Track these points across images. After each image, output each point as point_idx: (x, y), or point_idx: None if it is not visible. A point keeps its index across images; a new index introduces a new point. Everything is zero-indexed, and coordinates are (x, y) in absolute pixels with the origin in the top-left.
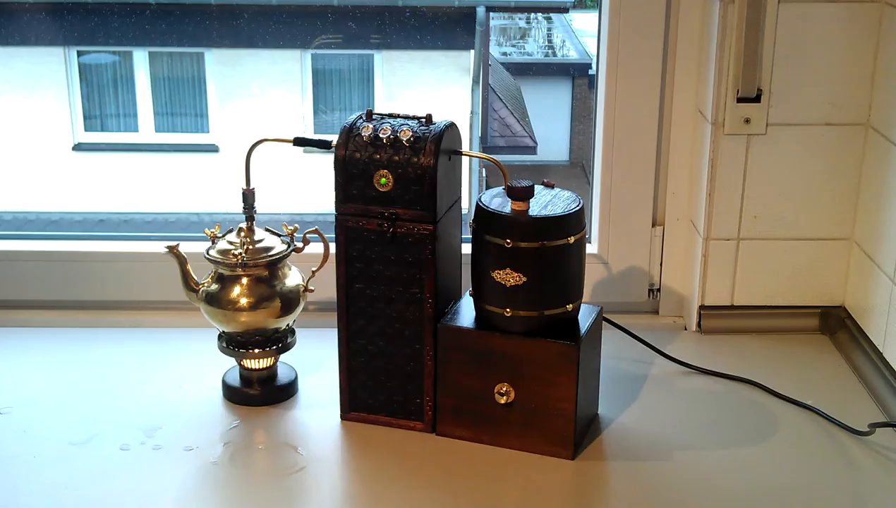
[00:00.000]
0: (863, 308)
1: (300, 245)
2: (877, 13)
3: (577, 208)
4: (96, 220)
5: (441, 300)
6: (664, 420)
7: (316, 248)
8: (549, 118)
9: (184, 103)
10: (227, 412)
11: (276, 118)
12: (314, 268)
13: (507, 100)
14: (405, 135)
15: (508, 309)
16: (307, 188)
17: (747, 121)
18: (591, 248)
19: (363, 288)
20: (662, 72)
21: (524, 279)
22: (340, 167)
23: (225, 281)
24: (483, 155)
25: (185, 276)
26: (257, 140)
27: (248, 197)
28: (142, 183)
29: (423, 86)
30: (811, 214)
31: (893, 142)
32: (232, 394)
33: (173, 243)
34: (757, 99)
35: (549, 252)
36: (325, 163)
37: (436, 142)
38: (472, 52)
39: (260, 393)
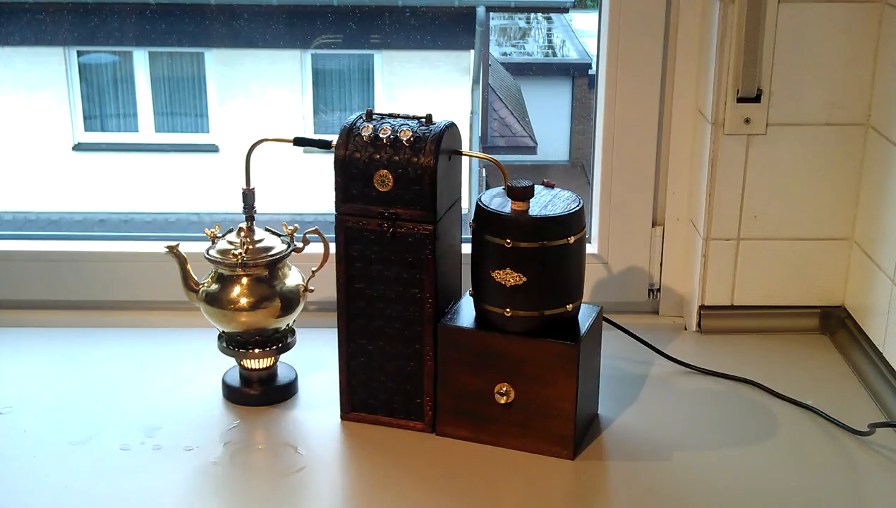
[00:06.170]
0: (863, 308)
1: (300, 245)
2: (877, 13)
3: (577, 208)
4: (96, 220)
5: (441, 300)
6: (664, 420)
7: (316, 248)
8: (549, 118)
9: (184, 103)
10: (227, 412)
11: (276, 118)
12: (314, 268)
13: (507, 100)
14: (405, 135)
15: (508, 309)
16: (307, 188)
17: (747, 121)
18: (591, 248)
19: (363, 288)
20: (662, 72)
21: (524, 279)
22: (340, 167)
23: (225, 281)
24: (483, 155)
25: (185, 276)
26: (257, 140)
27: (248, 197)
28: (142, 183)
29: (423, 86)
30: (811, 214)
31: (893, 142)
32: (232, 394)
33: (173, 243)
34: (757, 99)
35: (549, 252)
36: (325, 163)
37: (436, 142)
38: (472, 52)
39: (260, 393)
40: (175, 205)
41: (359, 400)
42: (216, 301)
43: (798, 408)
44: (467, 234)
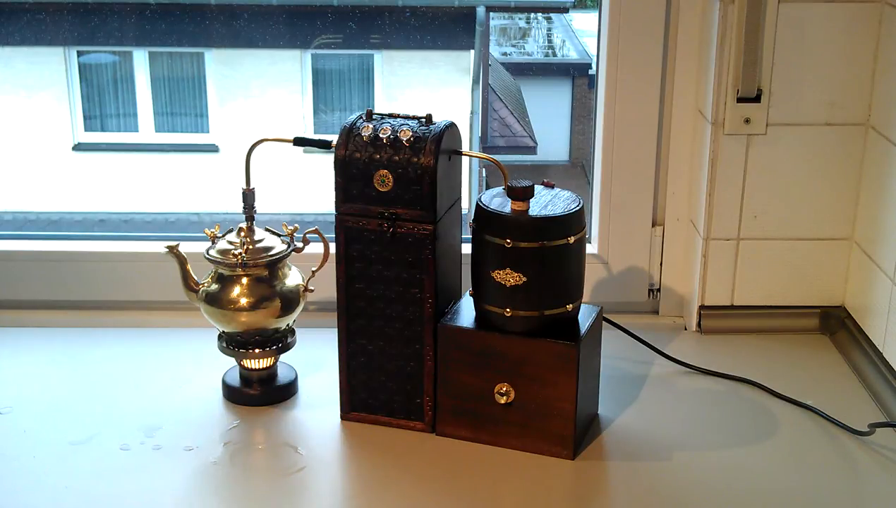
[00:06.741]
0: (863, 308)
1: (300, 245)
2: (877, 13)
3: (577, 208)
4: (96, 220)
5: (441, 300)
6: (664, 420)
7: (316, 248)
8: (549, 118)
9: (184, 103)
10: (227, 412)
11: (276, 118)
12: (314, 268)
13: (507, 100)
14: (405, 135)
15: (508, 309)
16: (307, 188)
17: (747, 121)
18: (591, 248)
19: (363, 288)
20: (662, 72)
21: (524, 279)
22: (340, 167)
23: (225, 281)
24: (483, 155)
25: (185, 276)
26: (257, 140)
27: (248, 197)
28: (142, 183)
29: (423, 86)
30: (811, 214)
31: (893, 142)
32: (232, 394)
33: (173, 243)
34: (757, 99)
35: (549, 252)
36: (325, 163)
37: (436, 142)
38: (472, 52)
39: (260, 393)
40: (175, 205)
41: (359, 400)
42: (216, 301)
43: (798, 408)
44: (467, 234)
